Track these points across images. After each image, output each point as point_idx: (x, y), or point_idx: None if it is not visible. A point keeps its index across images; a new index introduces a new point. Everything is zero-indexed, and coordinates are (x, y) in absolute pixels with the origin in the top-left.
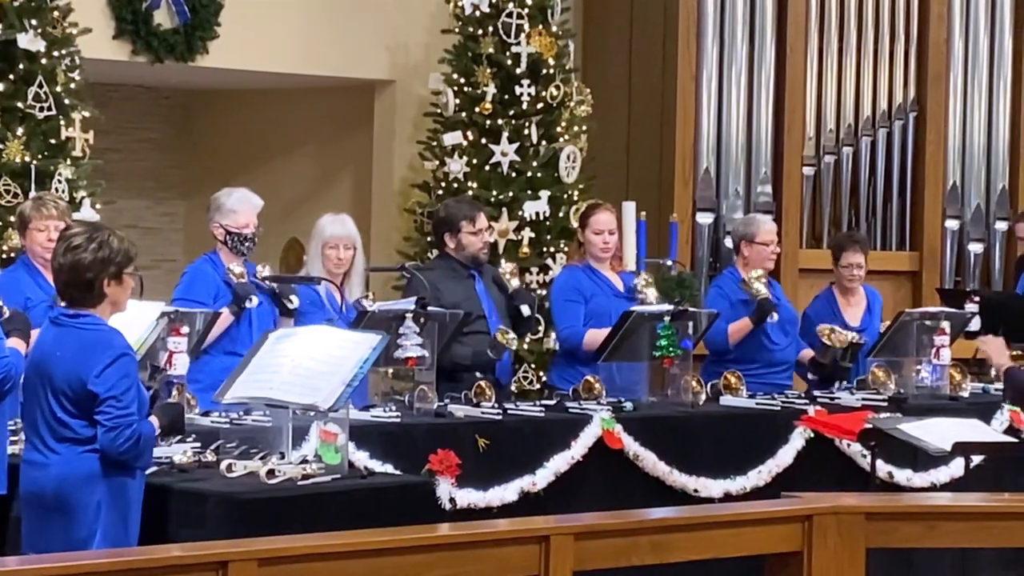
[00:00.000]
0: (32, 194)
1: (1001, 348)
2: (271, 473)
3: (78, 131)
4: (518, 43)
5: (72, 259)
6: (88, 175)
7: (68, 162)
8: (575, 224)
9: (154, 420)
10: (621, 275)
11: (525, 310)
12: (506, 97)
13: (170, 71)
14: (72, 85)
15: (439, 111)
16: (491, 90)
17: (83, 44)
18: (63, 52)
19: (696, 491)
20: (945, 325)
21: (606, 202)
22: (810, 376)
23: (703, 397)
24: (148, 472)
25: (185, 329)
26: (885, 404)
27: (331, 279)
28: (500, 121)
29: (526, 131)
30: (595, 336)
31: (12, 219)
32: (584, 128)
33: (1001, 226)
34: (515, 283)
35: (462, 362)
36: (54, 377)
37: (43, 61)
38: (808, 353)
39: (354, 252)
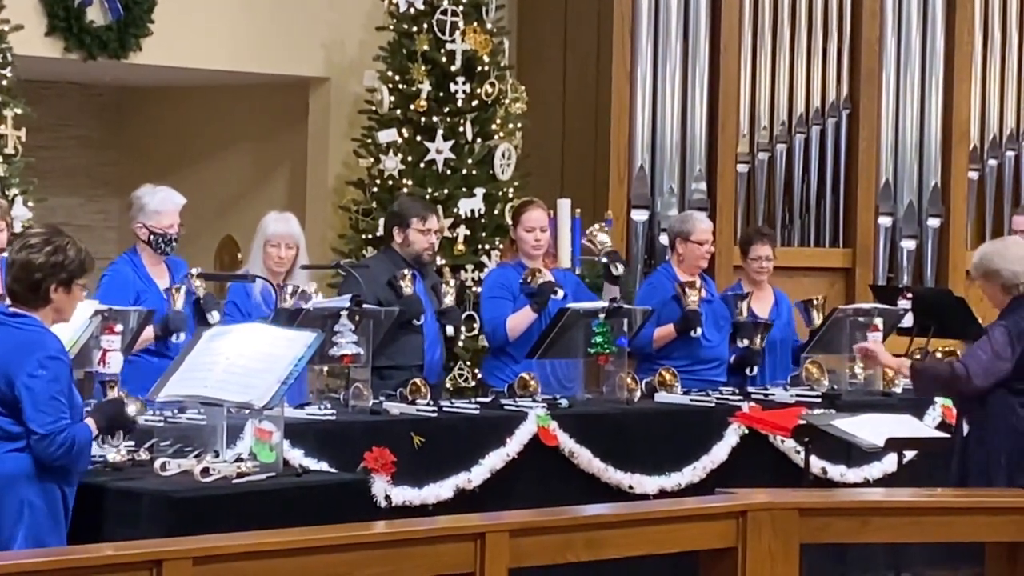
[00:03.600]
0: None
1: (882, 348)
2: (205, 471)
3: (10, 128)
4: (453, 40)
5: (24, 257)
6: (20, 173)
7: (0, 160)
8: (510, 221)
9: (90, 422)
10: (554, 272)
11: (450, 330)
12: (441, 94)
13: (103, 68)
14: (4, 82)
15: (374, 108)
16: (426, 87)
17: (15, 41)
18: None
19: (631, 488)
20: (878, 321)
21: (541, 199)
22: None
23: (638, 394)
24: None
25: (119, 327)
26: (819, 400)
27: (268, 277)
28: (435, 118)
29: (461, 128)
30: (516, 321)
31: None
32: (519, 125)
33: (933, 223)
34: (448, 301)
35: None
36: None
37: None
38: None
39: (296, 251)
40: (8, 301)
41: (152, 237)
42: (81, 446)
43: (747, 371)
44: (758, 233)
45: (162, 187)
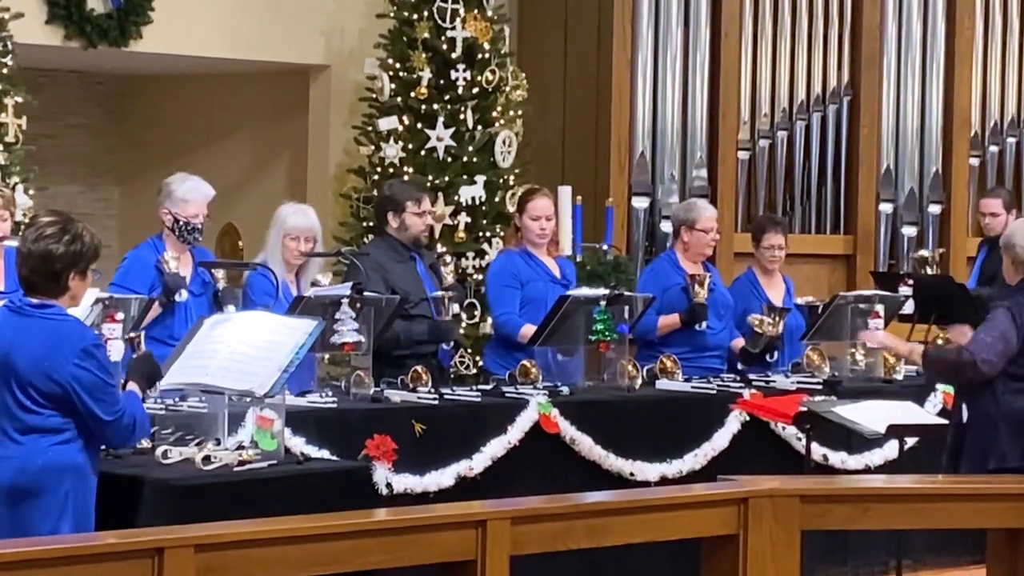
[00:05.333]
0: None
1: (890, 337)
2: (207, 459)
3: (11, 117)
4: (453, 28)
5: (43, 248)
6: (21, 161)
7: (1, 148)
8: (511, 209)
9: (133, 386)
10: (557, 260)
11: (455, 308)
12: (441, 82)
13: (103, 56)
14: (4, 70)
15: (374, 96)
16: (426, 75)
17: (15, 29)
18: None
19: (632, 475)
20: (879, 308)
21: (543, 187)
22: (740, 366)
23: (639, 381)
24: None
25: (120, 315)
26: (820, 387)
27: (284, 269)
28: (436, 106)
29: (462, 116)
30: (531, 331)
31: None
32: (520, 113)
33: (934, 209)
34: (450, 279)
35: (419, 339)
36: (19, 368)
37: None
38: (739, 342)
39: (314, 244)
40: (24, 291)
41: (176, 224)
42: (139, 418)
43: (767, 357)
44: (771, 221)
45: (193, 176)
